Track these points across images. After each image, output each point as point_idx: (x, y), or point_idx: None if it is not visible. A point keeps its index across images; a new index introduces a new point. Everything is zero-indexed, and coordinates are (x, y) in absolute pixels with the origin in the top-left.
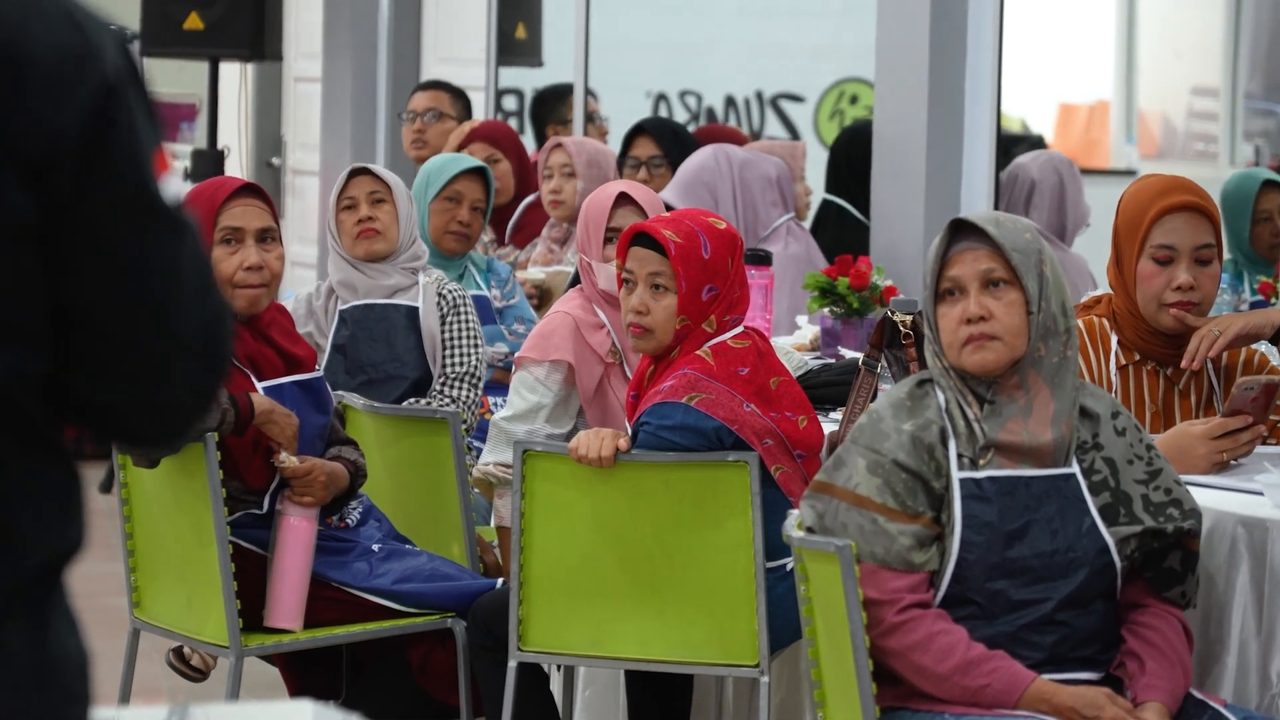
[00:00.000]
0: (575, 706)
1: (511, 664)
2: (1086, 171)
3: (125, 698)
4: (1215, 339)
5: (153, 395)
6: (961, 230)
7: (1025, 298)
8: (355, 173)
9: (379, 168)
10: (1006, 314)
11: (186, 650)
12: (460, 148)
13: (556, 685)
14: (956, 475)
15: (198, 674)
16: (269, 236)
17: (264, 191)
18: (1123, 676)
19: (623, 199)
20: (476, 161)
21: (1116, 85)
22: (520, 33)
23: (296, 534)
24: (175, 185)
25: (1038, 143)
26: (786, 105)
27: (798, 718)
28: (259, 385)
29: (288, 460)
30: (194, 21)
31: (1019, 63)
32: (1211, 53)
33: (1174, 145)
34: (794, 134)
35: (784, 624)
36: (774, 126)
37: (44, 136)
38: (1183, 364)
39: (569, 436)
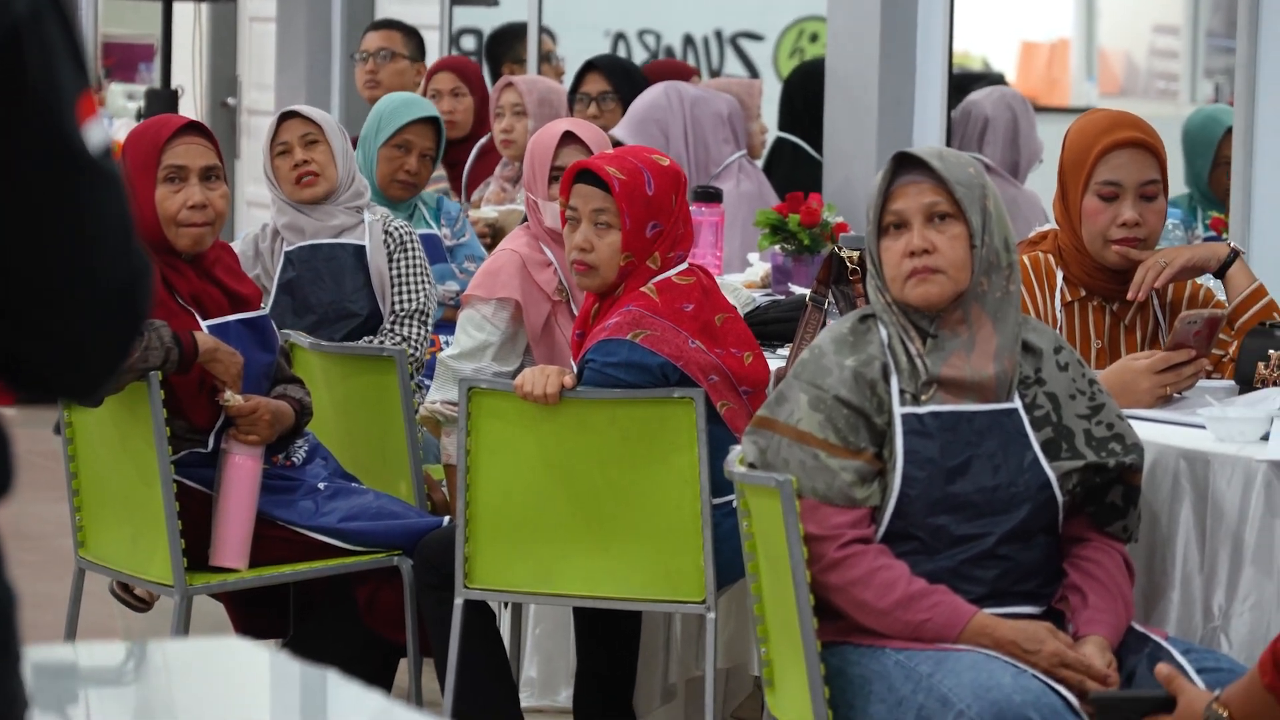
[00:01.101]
0: (525, 645)
1: (458, 601)
2: (1047, 109)
3: (71, 636)
4: (1161, 269)
5: (68, 346)
6: (905, 164)
7: (969, 231)
8: (285, 117)
9: (308, 108)
10: (950, 248)
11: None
12: (429, 77)
13: (506, 625)
14: (898, 410)
15: (141, 604)
16: (213, 175)
17: (208, 130)
18: (1064, 610)
19: (568, 137)
20: (429, 110)
21: (1077, 23)
22: None
23: (241, 473)
24: (101, 132)
25: (998, 80)
26: (746, 44)
27: (745, 654)
28: (204, 324)
29: (232, 399)
30: None
31: (981, 1)
32: None
33: (1136, 83)
34: (753, 73)
35: (731, 560)
36: (733, 65)
37: None
38: (1129, 295)
39: (516, 374)
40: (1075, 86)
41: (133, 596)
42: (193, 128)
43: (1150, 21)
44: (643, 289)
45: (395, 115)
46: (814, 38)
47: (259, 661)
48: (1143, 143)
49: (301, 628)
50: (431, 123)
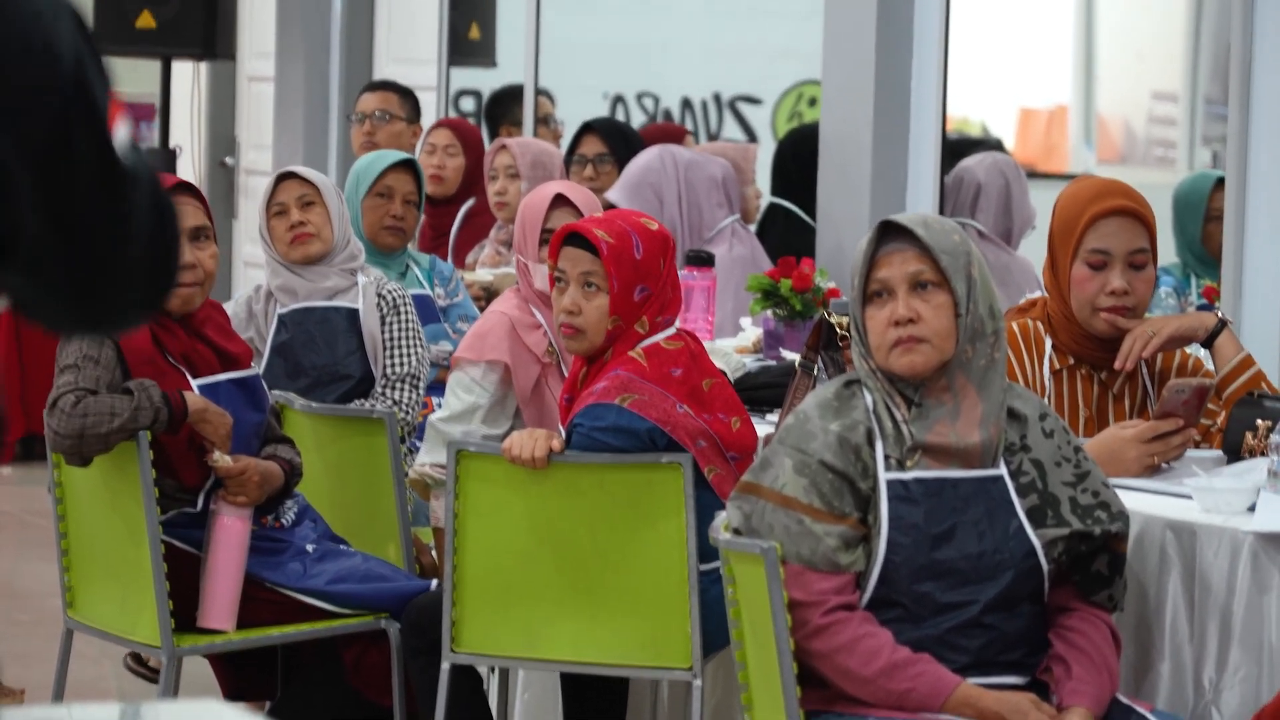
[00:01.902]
0: (514, 710)
1: (445, 665)
2: (1045, 176)
3: (59, 696)
4: (1149, 339)
5: (102, 310)
6: (890, 232)
7: (954, 300)
8: (282, 177)
9: (306, 170)
10: (935, 317)
11: (144, 652)
12: (427, 133)
13: (494, 690)
14: (883, 476)
15: (155, 675)
16: (202, 235)
17: (197, 190)
18: (1049, 681)
19: (559, 200)
20: (403, 155)
21: (1075, 89)
22: (474, 33)
23: (230, 533)
24: (123, 132)
25: (996, 146)
26: (744, 107)
27: None
28: (194, 383)
29: (221, 459)
30: (146, 20)
31: (981, 66)
32: (1173, 57)
33: (1135, 150)
34: (751, 136)
35: (718, 627)
36: (732, 129)
37: (33, 113)
38: (1116, 364)
39: (506, 437)
40: (1074, 153)
41: (146, 668)
42: (182, 188)
43: (1149, 88)
44: (631, 353)
45: (372, 166)
46: (812, 102)
47: None
48: (1132, 211)
49: (288, 690)
50: (408, 167)
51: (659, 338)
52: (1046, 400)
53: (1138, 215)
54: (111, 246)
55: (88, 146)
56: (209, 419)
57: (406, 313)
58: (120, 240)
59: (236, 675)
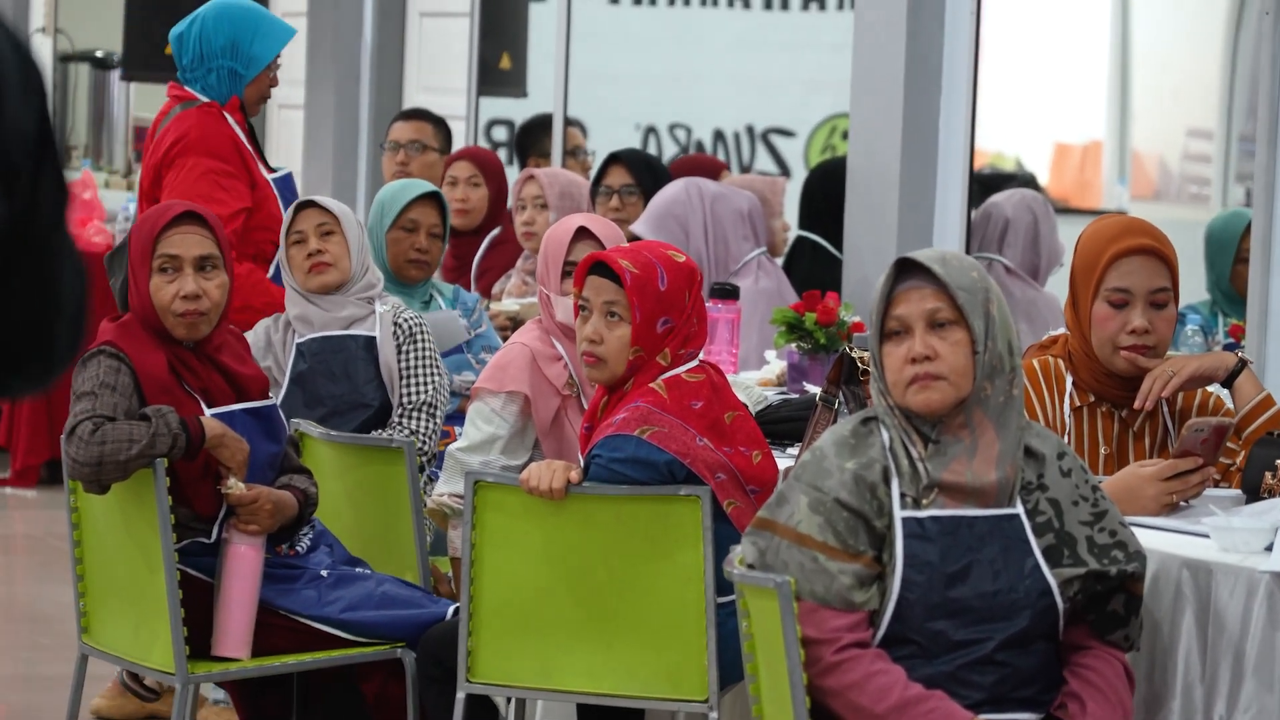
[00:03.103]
0: None
1: (460, 695)
2: (1078, 212)
3: None
4: (1169, 379)
5: (30, 361)
6: (907, 269)
7: (971, 337)
8: (301, 206)
9: (325, 199)
10: (952, 354)
11: (159, 679)
12: (446, 165)
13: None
14: (899, 514)
15: (150, 694)
16: (210, 264)
17: (207, 218)
18: (1063, 717)
19: (582, 232)
20: (429, 186)
21: (1110, 125)
22: (505, 63)
23: (243, 562)
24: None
25: (1029, 181)
26: (777, 140)
27: None
28: (209, 412)
29: (235, 486)
30: None
31: (1017, 102)
32: (1209, 94)
33: (1169, 187)
34: (784, 169)
35: (735, 660)
36: (764, 161)
37: (20, 140)
38: (1136, 404)
39: (524, 468)
40: (1107, 189)
41: (142, 686)
42: (189, 217)
43: (1184, 125)
44: (652, 385)
45: (397, 198)
46: (846, 135)
47: None
48: (1154, 250)
49: (305, 717)
50: (433, 199)
51: (680, 370)
52: (1066, 437)
53: (1159, 254)
54: (59, 272)
55: (57, 159)
56: (226, 444)
57: (423, 340)
58: (62, 266)
59: (253, 701)
